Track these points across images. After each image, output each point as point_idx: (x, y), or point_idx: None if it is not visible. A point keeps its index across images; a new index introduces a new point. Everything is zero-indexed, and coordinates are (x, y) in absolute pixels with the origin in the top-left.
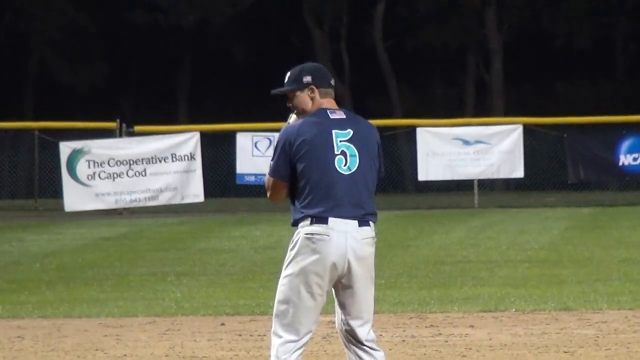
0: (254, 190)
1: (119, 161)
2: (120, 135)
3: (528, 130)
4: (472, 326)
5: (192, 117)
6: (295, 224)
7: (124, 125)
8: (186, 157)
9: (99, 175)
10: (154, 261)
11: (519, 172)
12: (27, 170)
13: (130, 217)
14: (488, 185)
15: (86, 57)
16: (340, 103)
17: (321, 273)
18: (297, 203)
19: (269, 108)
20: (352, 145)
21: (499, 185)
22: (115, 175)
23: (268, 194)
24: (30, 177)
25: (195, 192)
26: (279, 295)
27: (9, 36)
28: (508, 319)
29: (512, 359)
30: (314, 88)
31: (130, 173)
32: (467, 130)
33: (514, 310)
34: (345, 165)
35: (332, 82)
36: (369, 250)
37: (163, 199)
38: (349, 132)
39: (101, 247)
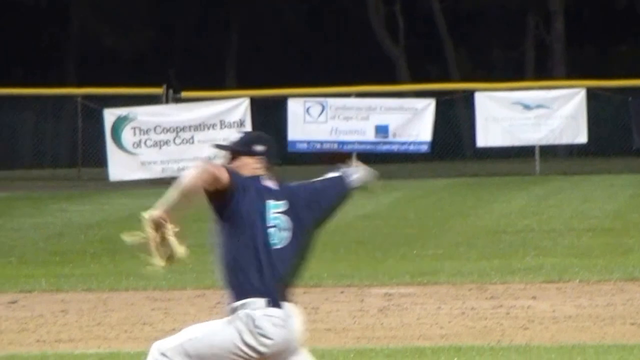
0: (307, 158)
1: (166, 128)
2: (167, 102)
3: (591, 94)
4: (534, 297)
5: (241, 82)
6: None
7: (170, 91)
8: (235, 124)
9: (145, 143)
10: (202, 232)
11: (582, 138)
12: (70, 139)
13: None
14: (550, 152)
15: (131, 21)
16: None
17: None
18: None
19: (321, 72)
20: (285, 219)
21: (561, 151)
22: (161, 143)
23: (198, 174)
24: (73, 146)
25: None
26: None
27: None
28: (572, 290)
29: (577, 331)
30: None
31: (178, 141)
32: (528, 95)
33: (578, 280)
34: (275, 239)
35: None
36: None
37: None
38: (283, 204)
39: None
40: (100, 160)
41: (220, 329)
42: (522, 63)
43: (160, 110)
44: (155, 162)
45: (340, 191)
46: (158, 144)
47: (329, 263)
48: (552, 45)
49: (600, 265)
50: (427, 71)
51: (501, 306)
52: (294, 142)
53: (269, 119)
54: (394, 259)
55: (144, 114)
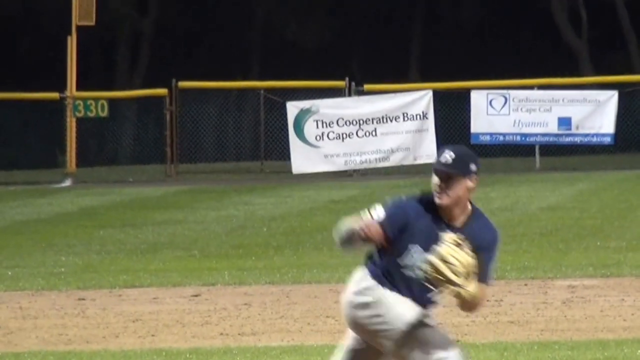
0: (489, 150)
1: (349, 121)
2: (349, 94)
3: None
4: None
5: (424, 75)
6: None
7: (353, 83)
8: (418, 117)
9: (328, 136)
10: None
11: None
12: (252, 131)
13: (360, 179)
14: None
15: (314, 14)
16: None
17: None
18: None
19: (503, 65)
20: None
21: None
22: (344, 135)
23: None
24: (256, 139)
25: (428, 152)
26: None
27: None
28: None
29: None
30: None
31: (360, 133)
32: None
33: None
34: None
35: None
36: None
37: (394, 160)
38: None
39: (331, 210)
40: (282, 153)
41: None
42: None
43: (342, 103)
44: (338, 155)
45: None
46: (340, 137)
47: (512, 255)
48: None
49: None
50: (609, 63)
51: None
52: (477, 135)
53: (452, 111)
54: (577, 251)
55: (327, 107)
